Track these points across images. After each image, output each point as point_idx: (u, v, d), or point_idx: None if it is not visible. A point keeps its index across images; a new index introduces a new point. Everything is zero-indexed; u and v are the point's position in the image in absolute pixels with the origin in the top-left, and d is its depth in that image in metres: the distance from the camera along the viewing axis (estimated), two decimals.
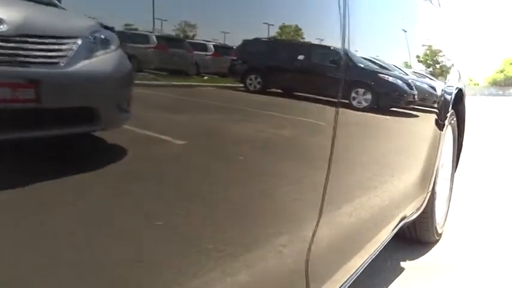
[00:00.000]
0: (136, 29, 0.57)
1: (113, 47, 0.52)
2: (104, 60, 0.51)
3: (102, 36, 0.51)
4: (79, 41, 0.48)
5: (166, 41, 0.62)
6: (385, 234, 1.56)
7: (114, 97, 0.53)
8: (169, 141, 0.61)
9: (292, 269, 0.93)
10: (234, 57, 0.75)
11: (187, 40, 0.64)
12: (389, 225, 1.60)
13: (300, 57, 0.92)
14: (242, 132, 0.77)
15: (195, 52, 0.67)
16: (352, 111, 1.15)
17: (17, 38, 0.43)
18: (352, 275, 1.23)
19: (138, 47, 0.57)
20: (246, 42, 0.77)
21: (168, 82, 0.63)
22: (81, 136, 0.50)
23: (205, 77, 0.69)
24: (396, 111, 1.55)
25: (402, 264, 2.11)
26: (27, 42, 0.44)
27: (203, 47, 0.68)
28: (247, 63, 0.78)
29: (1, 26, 0.42)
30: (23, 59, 0.43)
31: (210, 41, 0.68)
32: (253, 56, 0.81)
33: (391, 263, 2.10)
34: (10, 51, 0.43)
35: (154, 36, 0.60)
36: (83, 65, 0.48)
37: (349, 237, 1.23)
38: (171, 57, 0.64)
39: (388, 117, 1.48)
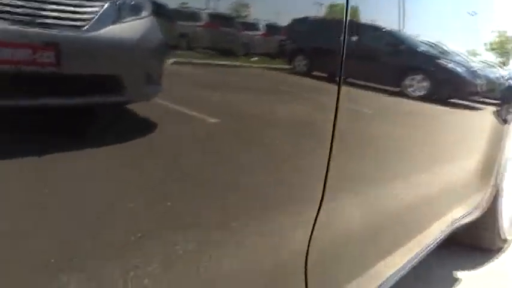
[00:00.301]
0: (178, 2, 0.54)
1: (143, 13, 0.49)
2: (132, 27, 0.48)
3: (132, 2, 0.49)
4: (105, 5, 0.46)
5: (212, 18, 0.59)
6: (432, 235, 1.42)
7: (141, 67, 0.50)
8: (197, 119, 0.57)
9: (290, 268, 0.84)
10: (283, 37, 0.71)
11: (236, 19, 0.61)
12: (436, 225, 1.45)
13: (353, 38, 0.86)
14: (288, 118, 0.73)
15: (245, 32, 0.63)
16: (404, 98, 1.08)
17: None
18: (388, 279, 1.13)
19: (182, 23, 0.54)
20: (295, 22, 0.73)
21: (207, 60, 0.59)
22: (103, 106, 0.47)
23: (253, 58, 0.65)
24: (453, 99, 1.44)
25: (459, 274, 1.93)
26: (48, 2, 0.42)
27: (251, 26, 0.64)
28: (296, 43, 0.74)
29: None
30: (43, 20, 0.41)
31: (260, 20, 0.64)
32: (303, 36, 0.76)
33: (446, 271, 1.95)
34: (30, 11, 0.41)
35: (198, 12, 0.57)
36: (107, 30, 0.46)
37: (380, 238, 1.13)
38: (216, 35, 0.61)
39: (443, 105, 1.37)
